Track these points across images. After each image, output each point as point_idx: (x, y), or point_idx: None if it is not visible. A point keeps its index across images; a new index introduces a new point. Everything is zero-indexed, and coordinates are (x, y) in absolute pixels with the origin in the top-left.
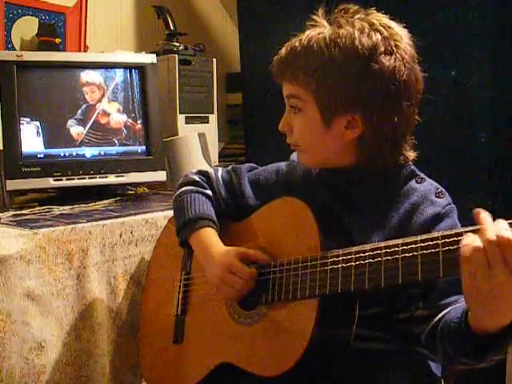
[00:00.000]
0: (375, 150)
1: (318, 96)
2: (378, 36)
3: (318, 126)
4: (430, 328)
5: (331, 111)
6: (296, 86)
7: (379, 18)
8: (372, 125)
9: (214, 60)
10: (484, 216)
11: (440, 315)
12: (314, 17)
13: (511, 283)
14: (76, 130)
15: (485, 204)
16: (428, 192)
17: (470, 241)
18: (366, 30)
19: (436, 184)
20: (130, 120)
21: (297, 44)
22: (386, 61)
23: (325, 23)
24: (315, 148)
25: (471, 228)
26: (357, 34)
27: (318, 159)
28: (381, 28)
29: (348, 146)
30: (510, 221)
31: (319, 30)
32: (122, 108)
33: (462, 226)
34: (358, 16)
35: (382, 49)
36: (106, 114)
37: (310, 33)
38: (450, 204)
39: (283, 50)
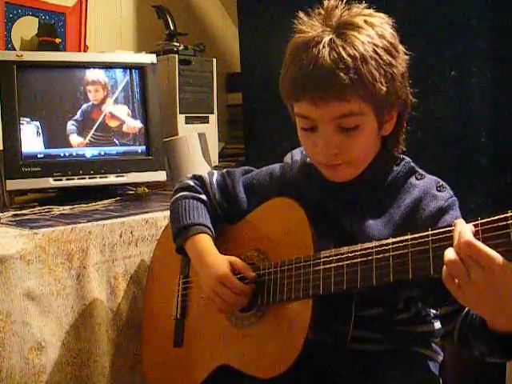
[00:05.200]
0: (398, 140)
1: (376, 104)
2: (389, 29)
3: (374, 134)
4: (459, 325)
5: (385, 115)
6: (355, 101)
7: (364, 10)
8: (402, 114)
9: (214, 60)
10: (457, 227)
11: (465, 310)
12: (304, 19)
13: (492, 284)
14: (76, 138)
15: (485, 204)
16: (429, 187)
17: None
18: (386, 27)
19: (436, 178)
20: (144, 126)
21: (344, 55)
22: (403, 50)
23: (316, 23)
24: (368, 156)
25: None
26: (386, 33)
27: (362, 167)
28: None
29: (378, 141)
30: (473, 223)
31: (346, 33)
32: (131, 112)
33: None
34: (354, 12)
35: (399, 40)
36: (114, 117)
37: (342, 42)
38: (452, 197)
39: (327, 68)
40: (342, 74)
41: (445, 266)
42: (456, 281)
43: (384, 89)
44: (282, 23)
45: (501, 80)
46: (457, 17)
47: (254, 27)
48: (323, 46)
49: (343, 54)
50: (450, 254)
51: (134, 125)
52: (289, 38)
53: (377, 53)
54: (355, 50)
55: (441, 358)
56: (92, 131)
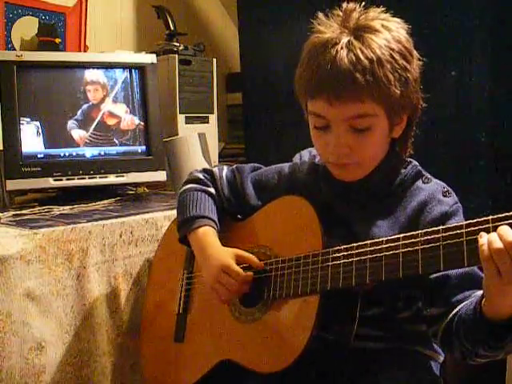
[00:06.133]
0: (406, 143)
1: (389, 106)
2: (405, 34)
3: (385, 135)
4: (444, 326)
5: (396, 118)
6: (369, 103)
7: (381, 14)
8: (412, 118)
9: (214, 60)
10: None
11: (453, 312)
12: (322, 19)
13: None
14: (78, 132)
15: (485, 204)
16: (435, 191)
17: (491, 240)
18: (402, 32)
19: (442, 183)
20: (141, 122)
21: (361, 57)
22: (417, 56)
23: (334, 24)
24: (377, 157)
25: (469, 222)
26: (402, 37)
27: (371, 168)
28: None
29: (388, 143)
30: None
31: (361, 35)
32: (129, 109)
33: None
34: (373, 16)
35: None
36: (113, 115)
37: (360, 44)
38: (456, 203)
39: (344, 69)
40: (358, 76)
41: (485, 249)
42: (494, 267)
43: (398, 92)
44: (281, 23)
45: (501, 80)
46: (457, 17)
47: (254, 27)
48: (341, 47)
49: (361, 56)
50: (497, 243)
51: (131, 121)
52: (288, 38)
53: (393, 57)
54: (372, 52)
55: (442, 358)
56: (92, 128)
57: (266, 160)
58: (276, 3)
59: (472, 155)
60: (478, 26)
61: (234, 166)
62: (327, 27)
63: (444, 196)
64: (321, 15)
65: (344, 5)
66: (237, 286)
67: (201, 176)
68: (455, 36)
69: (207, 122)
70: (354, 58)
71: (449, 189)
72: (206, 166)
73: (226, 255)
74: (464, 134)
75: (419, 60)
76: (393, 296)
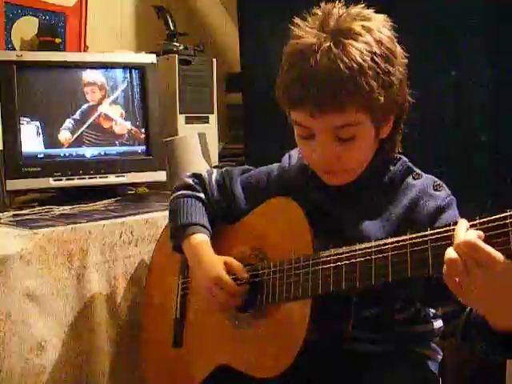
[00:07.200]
0: (394, 141)
1: (373, 112)
2: (388, 32)
3: (372, 140)
4: (463, 324)
5: (382, 121)
6: (352, 112)
7: (363, 11)
8: (400, 117)
9: (214, 60)
10: (459, 226)
11: (468, 309)
12: (300, 23)
13: (491, 282)
14: (65, 134)
15: (485, 204)
16: (426, 186)
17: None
18: (384, 31)
19: (433, 177)
20: (133, 127)
21: (341, 66)
22: (402, 53)
23: (313, 28)
24: (365, 161)
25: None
26: (384, 38)
27: (359, 171)
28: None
29: (376, 144)
30: (472, 222)
31: (340, 41)
32: (124, 113)
33: None
34: (354, 17)
35: (396, 42)
36: (108, 118)
37: (339, 51)
38: (449, 196)
39: (324, 80)
40: (339, 87)
41: (445, 265)
42: (457, 279)
43: (381, 98)
44: (282, 23)
45: (501, 80)
46: (457, 17)
47: (254, 27)
48: (320, 56)
49: (340, 65)
50: (450, 252)
51: (123, 126)
52: (289, 38)
53: (375, 61)
54: (352, 60)
55: (440, 357)
56: (81, 130)
57: (266, 160)
58: (276, 3)
59: (472, 155)
60: (478, 26)
61: (224, 169)
62: (306, 32)
63: (435, 190)
64: (298, 20)
65: (322, 5)
66: (227, 299)
67: (190, 181)
68: (455, 36)
69: (207, 122)
70: (333, 67)
71: (440, 182)
72: (206, 165)
73: (218, 265)
74: (464, 134)
75: (405, 57)
76: (390, 297)
